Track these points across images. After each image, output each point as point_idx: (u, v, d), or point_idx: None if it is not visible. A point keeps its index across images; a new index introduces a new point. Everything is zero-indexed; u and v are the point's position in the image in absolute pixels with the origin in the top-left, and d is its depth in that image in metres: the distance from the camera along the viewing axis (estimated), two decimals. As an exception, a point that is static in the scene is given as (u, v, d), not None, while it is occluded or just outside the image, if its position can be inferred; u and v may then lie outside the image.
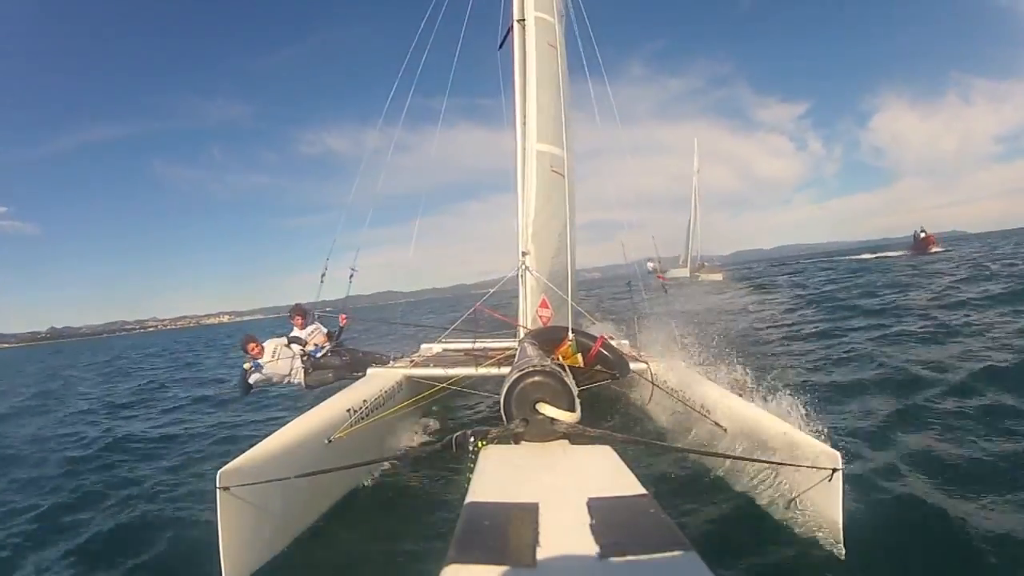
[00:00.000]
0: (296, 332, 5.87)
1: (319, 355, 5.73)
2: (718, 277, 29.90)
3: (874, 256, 36.74)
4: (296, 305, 6.09)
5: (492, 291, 5.66)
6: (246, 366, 5.38)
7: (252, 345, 5.47)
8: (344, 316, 6.04)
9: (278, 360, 5.50)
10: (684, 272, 31.47)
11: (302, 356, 5.63)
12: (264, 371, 5.49)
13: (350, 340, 6.28)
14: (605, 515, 1.54)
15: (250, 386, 5.51)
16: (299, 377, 5.60)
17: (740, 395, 3.81)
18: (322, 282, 6.20)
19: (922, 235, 33.20)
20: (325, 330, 6.00)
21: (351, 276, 6.23)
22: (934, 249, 31.66)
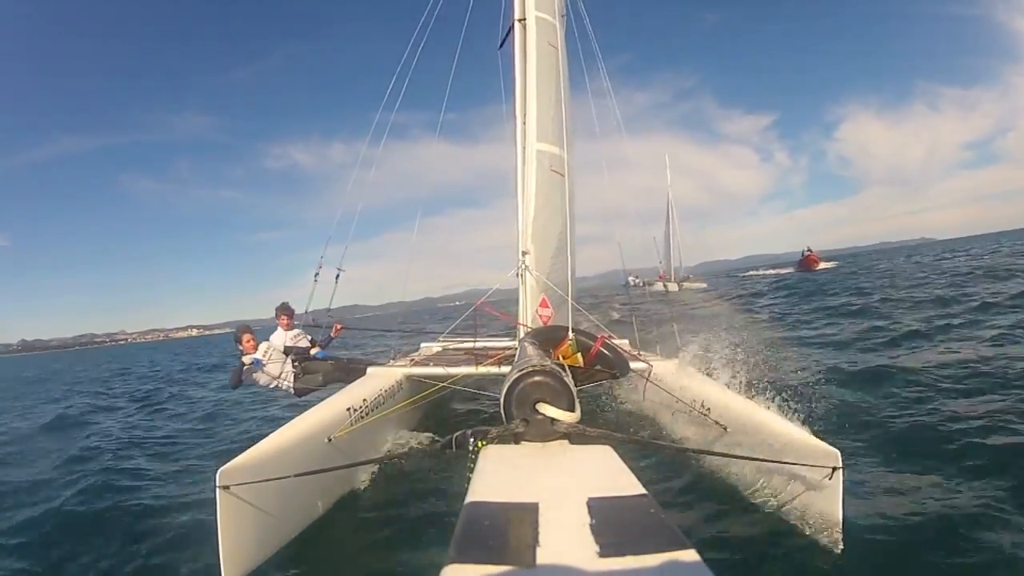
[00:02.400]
0: (279, 333, 5.77)
1: (313, 357, 5.67)
2: (702, 285, 32.81)
3: (760, 272, 40.45)
4: (284, 304, 5.91)
5: (491, 291, 5.66)
6: (246, 360, 5.31)
7: (247, 337, 5.36)
8: (338, 325, 5.99)
9: (269, 363, 5.45)
10: (672, 285, 33.32)
11: (294, 362, 5.55)
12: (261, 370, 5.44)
13: (342, 350, 6.21)
14: (605, 515, 1.53)
15: (241, 381, 5.40)
16: (288, 382, 5.54)
17: (740, 394, 3.81)
18: (316, 281, 6.13)
19: (807, 253, 36.58)
20: (308, 337, 5.90)
21: (337, 276, 6.16)
22: (820, 266, 34.68)
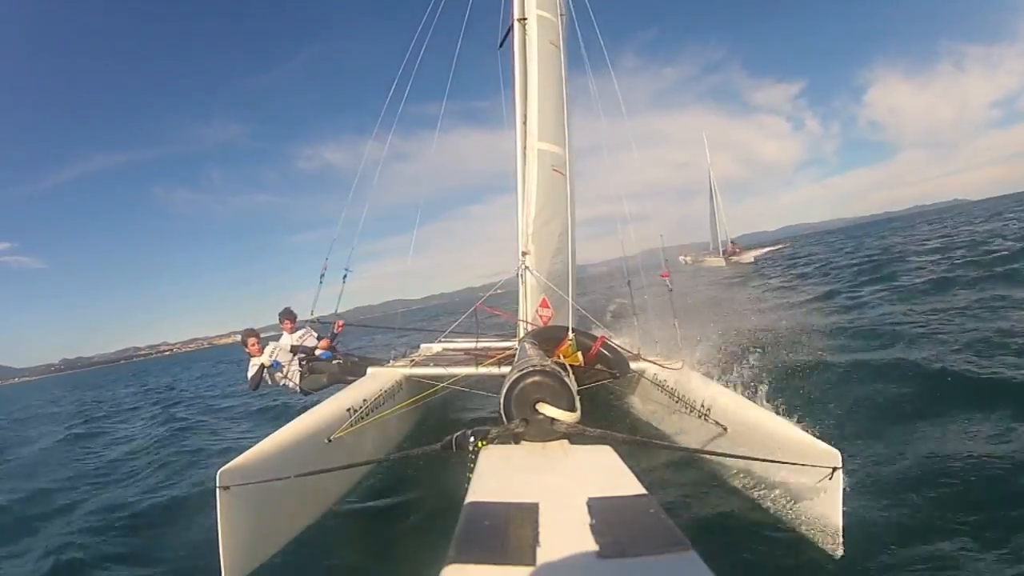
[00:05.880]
0: (285, 336, 5.89)
1: (319, 357, 5.73)
2: (749, 259, 31.81)
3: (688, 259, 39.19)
4: (286, 309, 6.04)
5: (491, 291, 5.65)
6: (266, 362, 5.40)
7: (252, 340, 5.44)
8: (340, 323, 6.03)
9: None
10: (720, 262, 32.76)
11: (301, 361, 5.62)
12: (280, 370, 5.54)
13: (351, 348, 6.28)
14: (605, 515, 1.54)
15: (261, 380, 5.50)
16: (295, 380, 5.61)
17: (740, 394, 3.80)
18: (321, 282, 6.14)
19: (729, 244, 36.16)
20: (316, 335, 5.98)
21: (344, 276, 6.17)
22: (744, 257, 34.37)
